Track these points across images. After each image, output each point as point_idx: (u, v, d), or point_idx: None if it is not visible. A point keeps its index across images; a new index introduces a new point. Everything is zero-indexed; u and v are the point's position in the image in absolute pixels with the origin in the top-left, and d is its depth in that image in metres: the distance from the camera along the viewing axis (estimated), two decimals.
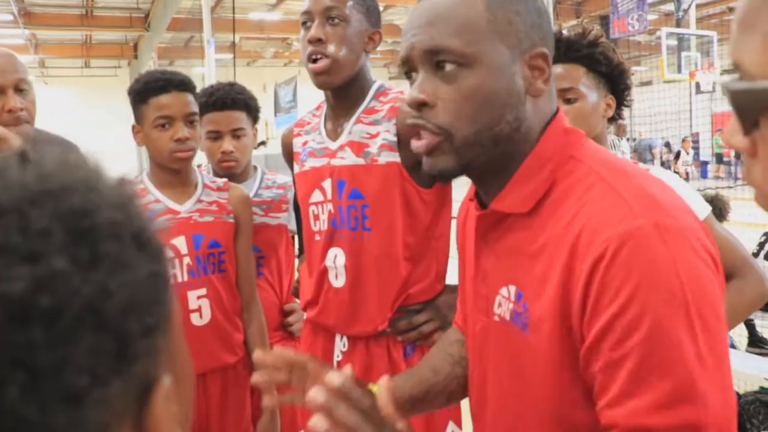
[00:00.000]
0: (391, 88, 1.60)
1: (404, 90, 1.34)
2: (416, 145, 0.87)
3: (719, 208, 4.04)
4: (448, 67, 0.83)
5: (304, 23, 1.52)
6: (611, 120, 1.63)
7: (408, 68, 0.88)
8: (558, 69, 1.54)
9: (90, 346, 0.35)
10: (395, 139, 1.49)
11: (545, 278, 0.78)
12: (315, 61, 1.48)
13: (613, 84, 1.58)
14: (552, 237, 0.79)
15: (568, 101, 1.53)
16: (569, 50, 1.53)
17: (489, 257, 0.90)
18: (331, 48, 1.47)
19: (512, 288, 0.84)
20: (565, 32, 1.57)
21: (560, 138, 0.86)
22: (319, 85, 1.52)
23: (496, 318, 0.87)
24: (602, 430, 0.73)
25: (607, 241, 0.72)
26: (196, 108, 1.70)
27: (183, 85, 1.68)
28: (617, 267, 0.70)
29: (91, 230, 0.37)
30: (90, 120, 19.63)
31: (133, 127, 1.72)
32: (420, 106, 0.85)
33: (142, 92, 1.67)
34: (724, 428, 0.69)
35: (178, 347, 0.49)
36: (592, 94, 1.55)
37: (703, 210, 1.51)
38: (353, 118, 1.55)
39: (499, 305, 0.86)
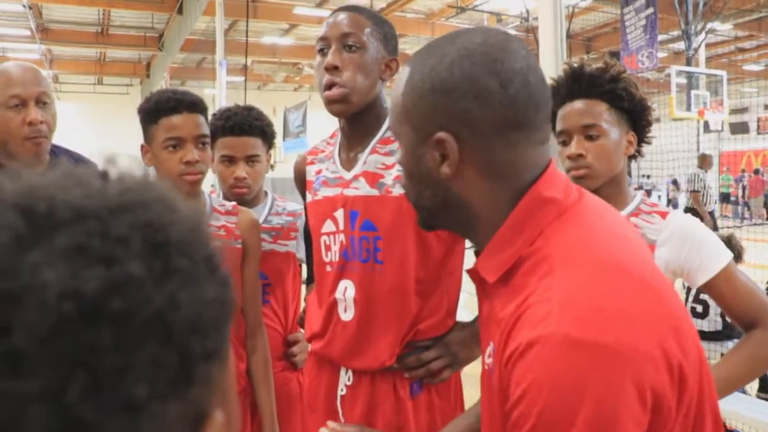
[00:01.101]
0: None
1: None
2: None
3: (737, 250, 3.99)
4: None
5: (320, 49, 1.49)
6: (632, 157, 1.59)
7: None
8: (579, 105, 1.52)
9: (154, 356, 0.35)
10: None
11: (498, 347, 0.80)
12: (330, 88, 1.45)
13: (634, 120, 1.55)
14: (506, 314, 0.79)
15: (590, 138, 1.50)
16: (591, 86, 1.51)
17: (485, 306, 0.91)
18: (347, 75, 1.44)
19: (492, 345, 0.85)
20: (586, 67, 1.54)
21: (533, 210, 0.83)
22: (333, 113, 1.49)
23: (486, 367, 0.88)
24: None
25: (522, 337, 0.73)
26: (207, 130, 1.68)
27: (194, 106, 1.65)
28: (520, 365, 0.72)
29: (166, 244, 0.38)
30: (101, 136, 19.76)
31: (142, 146, 1.68)
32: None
33: (153, 112, 1.64)
34: None
35: (230, 390, 0.49)
36: (614, 130, 1.51)
37: (726, 255, 1.48)
38: (368, 148, 1.52)
39: (489, 356, 0.87)
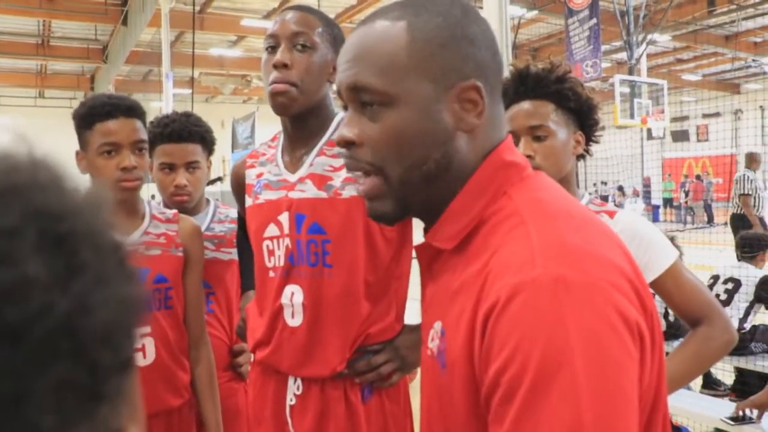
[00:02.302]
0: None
1: None
2: (358, 188, 0.85)
3: (678, 250, 4.10)
4: (374, 105, 0.80)
5: (270, 47, 1.46)
6: (580, 156, 1.60)
7: (342, 103, 0.86)
8: (526, 105, 1.52)
9: (61, 377, 0.28)
10: None
11: (460, 317, 0.75)
12: (276, 85, 1.42)
13: (581, 120, 1.55)
14: (469, 276, 0.75)
15: (538, 139, 1.50)
16: (537, 86, 1.51)
17: (429, 290, 0.88)
18: (295, 75, 1.41)
19: (439, 324, 0.81)
20: (532, 67, 1.54)
21: (496, 172, 0.81)
22: (277, 109, 1.45)
23: (429, 352, 0.84)
24: None
25: (500, 289, 0.68)
26: (144, 135, 1.63)
27: (131, 110, 1.60)
28: (505, 318, 0.67)
29: (68, 235, 0.30)
30: (42, 151, 19.18)
31: (77, 153, 1.62)
32: (348, 144, 0.83)
33: (87, 117, 1.59)
34: None
35: (137, 400, 0.43)
36: (561, 130, 1.51)
37: (673, 253, 1.50)
38: (315, 150, 1.49)
39: (432, 339, 0.83)
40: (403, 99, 0.79)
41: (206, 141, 2.02)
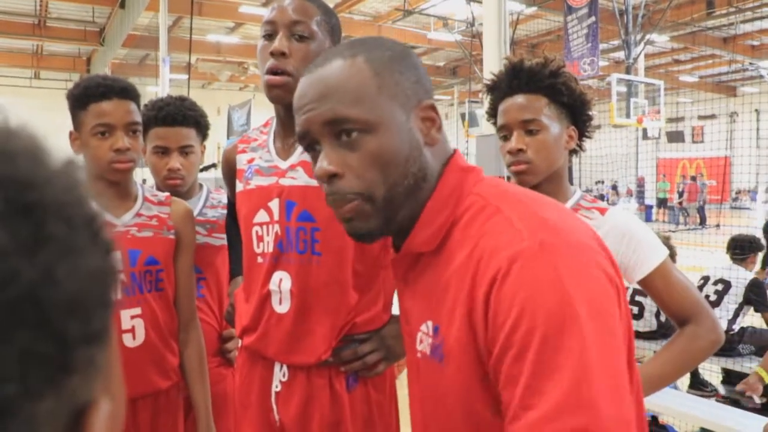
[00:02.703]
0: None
1: None
2: (337, 213, 0.91)
3: (671, 249, 4.12)
4: (352, 135, 0.86)
5: (267, 34, 1.44)
6: (573, 151, 1.59)
7: (308, 142, 0.91)
8: (519, 99, 1.51)
9: (24, 346, 0.29)
10: None
11: (453, 307, 0.81)
12: (275, 74, 1.41)
13: (574, 115, 1.55)
14: (457, 268, 0.82)
15: (531, 132, 1.49)
16: (531, 80, 1.50)
17: (408, 297, 0.95)
18: (292, 64, 1.40)
19: (429, 324, 0.87)
20: (526, 62, 1.53)
21: (458, 176, 0.91)
22: (274, 99, 1.44)
23: (419, 355, 0.90)
24: None
25: (498, 263, 0.76)
26: (138, 117, 1.62)
27: (125, 92, 1.59)
28: (507, 286, 0.74)
29: (36, 205, 0.30)
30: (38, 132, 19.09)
31: (70, 133, 1.61)
32: (330, 177, 0.88)
33: (82, 97, 1.57)
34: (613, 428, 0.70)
35: (115, 373, 0.42)
36: (554, 125, 1.51)
37: (662, 252, 1.50)
38: None
39: (420, 341, 0.89)
40: (381, 123, 0.86)
41: (200, 125, 2.01)
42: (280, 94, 1.42)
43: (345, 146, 0.87)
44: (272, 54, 1.40)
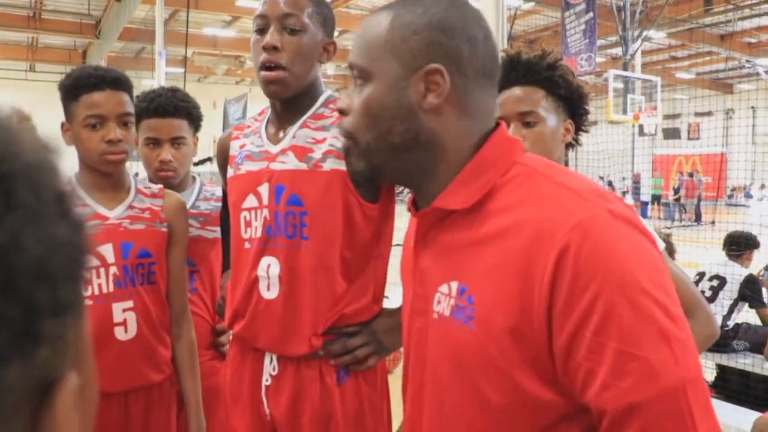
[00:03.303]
0: (340, 97, 1.53)
1: None
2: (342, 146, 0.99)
3: (670, 246, 4.12)
4: (359, 81, 0.93)
5: (259, 29, 1.44)
6: (569, 145, 1.59)
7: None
8: (517, 91, 1.51)
9: None
10: None
11: (495, 267, 0.82)
12: (269, 69, 1.41)
13: (571, 108, 1.55)
14: (499, 228, 0.83)
15: (528, 125, 1.49)
16: (528, 72, 1.50)
17: (427, 257, 0.94)
18: (286, 58, 1.40)
19: (453, 284, 0.87)
20: (523, 54, 1.53)
21: (503, 146, 0.91)
22: (271, 95, 1.45)
23: (435, 315, 0.90)
24: (595, 418, 0.76)
25: (570, 232, 0.76)
26: (131, 108, 1.60)
27: (118, 82, 1.58)
28: (584, 259, 0.75)
29: (7, 175, 0.32)
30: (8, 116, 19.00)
31: (62, 124, 1.60)
32: (341, 112, 0.97)
33: (73, 88, 1.56)
34: (700, 378, 0.75)
35: (86, 351, 0.42)
36: (551, 117, 1.50)
37: (659, 247, 1.49)
38: (299, 123, 1.48)
39: (438, 302, 0.90)
40: (375, 75, 0.91)
41: (192, 117, 2.00)
42: (277, 90, 1.43)
43: (356, 90, 0.94)
44: (264, 48, 1.40)
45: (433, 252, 0.93)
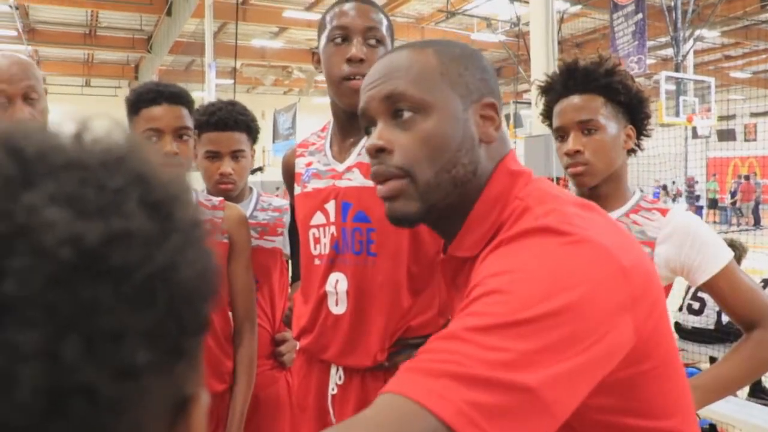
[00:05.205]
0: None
1: None
2: (380, 189, 0.89)
3: (738, 251, 4.00)
4: (406, 114, 0.87)
5: (337, 39, 1.45)
6: (631, 151, 1.56)
7: (367, 122, 0.93)
8: (575, 100, 1.49)
9: (154, 320, 0.32)
10: None
11: None
12: (352, 80, 1.42)
13: (632, 113, 1.52)
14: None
15: (588, 133, 1.47)
16: (587, 80, 1.48)
17: (459, 301, 0.92)
18: (366, 68, 1.39)
19: None
20: (581, 61, 1.51)
21: (505, 181, 0.89)
22: (351, 105, 1.44)
23: None
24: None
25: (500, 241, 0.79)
26: (189, 122, 1.63)
27: (175, 97, 1.61)
28: (495, 253, 0.78)
29: (164, 201, 0.35)
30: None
31: None
32: (378, 152, 0.88)
33: (134, 103, 1.61)
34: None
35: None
36: (611, 124, 1.48)
37: (727, 254, 1.45)
38: (364, 140, 1.48)
39: None
40: (437, 107, 0.87)
41: (251, 130, 2.02)
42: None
43: (399, 126, 0.88)
44: (351, 60, 1.42)
45: (461, 296, 0.90)
